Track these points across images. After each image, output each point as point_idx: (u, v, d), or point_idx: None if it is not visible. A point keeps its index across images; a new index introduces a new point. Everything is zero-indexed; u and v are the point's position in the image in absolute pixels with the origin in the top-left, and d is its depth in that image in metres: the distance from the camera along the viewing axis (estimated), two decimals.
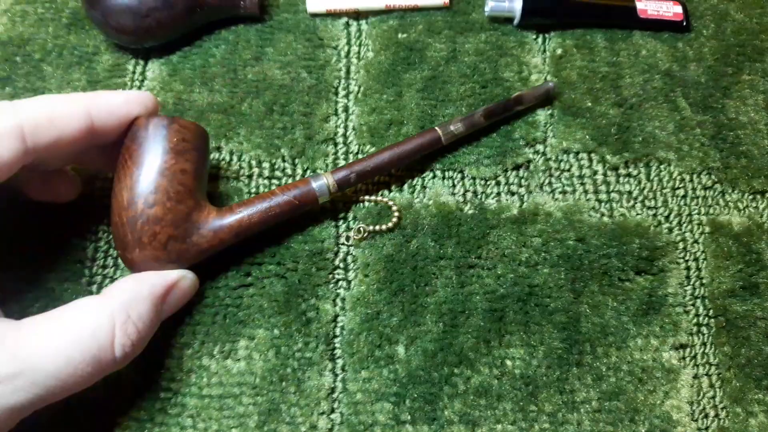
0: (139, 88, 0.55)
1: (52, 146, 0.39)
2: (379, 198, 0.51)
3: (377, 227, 0.50)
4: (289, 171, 0.52)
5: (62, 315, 0.38)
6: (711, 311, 0.50)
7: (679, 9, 0.58)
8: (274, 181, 0.52)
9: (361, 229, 0.50)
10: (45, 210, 0.49)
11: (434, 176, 0.53)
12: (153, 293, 0.42)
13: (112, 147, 0.44)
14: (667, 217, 0.52)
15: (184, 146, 0.44)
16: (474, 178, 0.53)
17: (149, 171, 0.42)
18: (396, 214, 0.50)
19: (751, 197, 0.53)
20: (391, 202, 0.51)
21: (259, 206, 0.46)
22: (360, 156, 0.53)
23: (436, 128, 0.51)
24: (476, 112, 0.52)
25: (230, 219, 0.45)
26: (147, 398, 0.45)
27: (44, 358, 0.35)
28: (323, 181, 0.48)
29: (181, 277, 0.44)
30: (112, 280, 0.48)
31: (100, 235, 0.49)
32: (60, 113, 0.39)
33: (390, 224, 0.50)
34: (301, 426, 0.45)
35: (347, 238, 0.50)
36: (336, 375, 0.47)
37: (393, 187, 0.52)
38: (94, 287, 0.48)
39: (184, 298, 0.45)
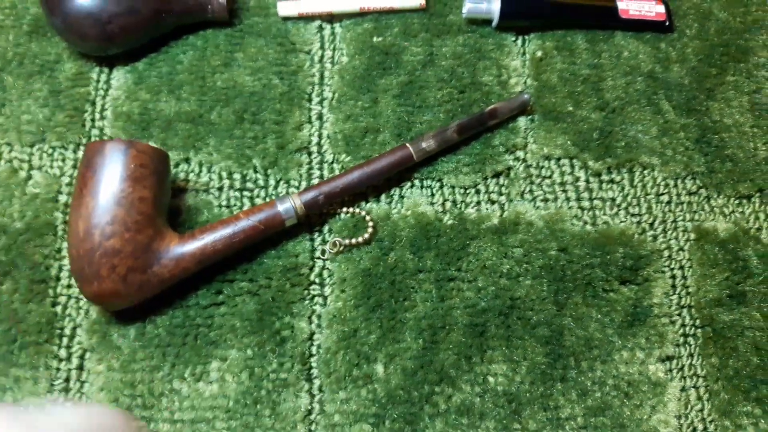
0: (104, 97, 0.52)
1: None
2: (355, 210, 0.49)
3: (353, 240, 0.48)
4: (261, 182, 0.50)
5: None
6: (698, 321, 0.49)
7: (661, 9, 0.57)
8: (246, 193, 0.50)
9: (337, 242, 0.48)
10: (6, 229, 0.47)
11: (412, 185, 0.51)
12: None
13: None
14: (651, 225, 0.51)
15: (142, 172, 0.42)
16: (453, 187, 0.51)
17: (105, 201, 0.41)
18: (370, 225, 0.48)
19: (737, 202, 0.52)
20: (365, 214, 0.49)
21: (223, 232, 0.44)
22: (335, 165, 0.51)
23: (408, 145, 0.49)
24: (449, 127, 0.50)
25: (193, 246, 0.44)
26: None
27: None
28: (290, 204, 0.46)
29: None
30: (77, 300, 0.46)
31: (64, 254, 0.47)
32: None
33: (366, 236, 0.48)
34: None
35: (323, 252, 0.49)
36: (313, 396, 0.45)
37: (370, 198, 0.50)
38: (59, 308, 0.46)
39: None
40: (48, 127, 0.51)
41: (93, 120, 0.52)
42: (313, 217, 0.49)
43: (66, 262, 0.47)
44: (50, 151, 0.50)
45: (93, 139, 0.51)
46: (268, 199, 0.50)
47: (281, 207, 0.46)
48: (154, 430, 0.44)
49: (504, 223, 0.50)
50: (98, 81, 0.53)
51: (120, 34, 0.51)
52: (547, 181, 0.52)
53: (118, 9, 0.49)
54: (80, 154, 0.50)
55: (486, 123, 0.51)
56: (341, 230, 0.49)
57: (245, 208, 0.49)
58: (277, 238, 0.48)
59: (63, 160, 0.50)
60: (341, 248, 0.48)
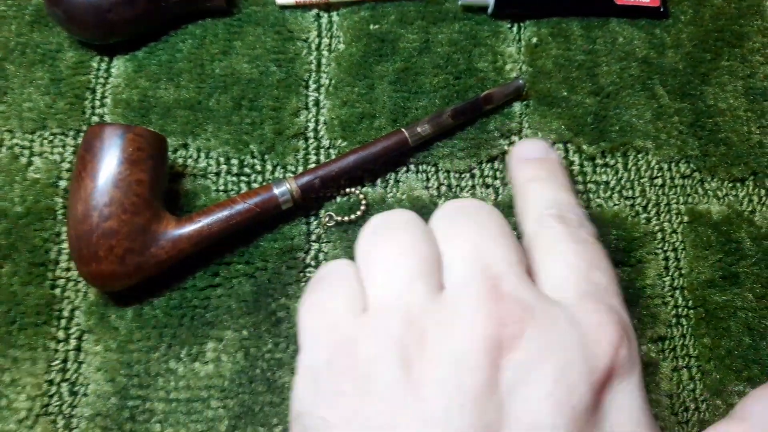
0: (104, 85, 0.53)
1: None
2: (350, 190, 0.50)
3: (344, 218, 0.49)
4: (258, 167, 0.51)
5: None
6: (690, 302, 0.49)
7: None
8: (243, 178, 0.51)
9: (330, 216, 0.49)
10: (6, 213, 0.48)
11: (407, 170, 0.52)
12: None
13: None
14: (644, 207, 0.51)
15: (139, 155, 0.42)
16: (448, 171, 0.52)
17: (103, 183, 0.41)
18: (363, 202, 0.49)
19: (730, 185, 0.52)
20: (358, 192, 0.49)
21: (219, 215, 0.45)
22: (331, 151, 0.52)
23: (403, 130, 0.49)
24: (444, 111, 0.50)
25: (189, 229, 0.44)
26: (114, 405, 0.44)
27: None
28: (285, 188, 0.46)
29: None
30: (76, 282, 0.47)
31: (63, 237, 0.48)
32: None
33: (359, 213, 0.49)
34: (276, 428, 0.44)
35: (319, 224, 0.49)
36: None
37: (366, 182, 0.51)
38: (57, 290, 0.47)
39: None
40: (49, 114, 0.52)
41: (93, 107, 0.52)
42: (309, 201, 0.50)
43: (65, 245, 0.48)
44: (51, 137, 0.51)
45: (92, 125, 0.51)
46: (264, 184, 0.50)
47: (277, 190, 0.46)
48: (150, 408, 0.44)
49: (499, 206, 0.50)
50: (98, 69, 0.54)
51: (120, 23, 0.51)
52: None
53: None
54: (80, 140, 0.51)
55: (481, 108, 0.52)
56: (337, 212, 0.50)
57: (242, 192, 0.50)
58: (273, 221, 0.49)
59: (63, 147, 0.51)
60: (333, 223, 0.49)
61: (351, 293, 0.32)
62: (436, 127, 0.50)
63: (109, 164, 0.42)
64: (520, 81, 0.53)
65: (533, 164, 0.41)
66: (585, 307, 0.30)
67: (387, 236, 0.33)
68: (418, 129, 0.50)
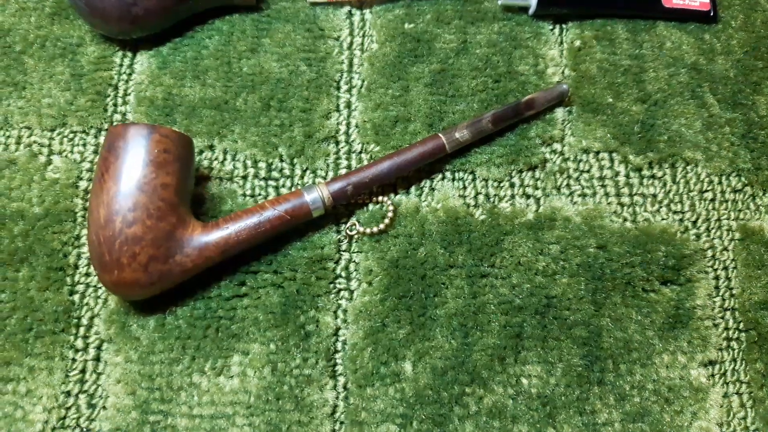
0: (127, 82, 0.51)
1: None
2: (379, 199, 0.48)
3: (367, 230, 0.46)
4: (287, 171, 0.49)
5: None
6: (742, 324, 0.46)
7: None
8: (271, 183, 0.48)
9: (354, 225, 0.46)
10: (24, 214, 0.45)
11: (443, 177, 0.49)
12: None
13: None
14: (694, 223, 0.49)
15: (165, 158, 0.40)
16: (486, 180, 0.49)
17: (127, 186, 0.39)
18: (390, 213, 0.47)
19: None
20: (389, 202, 0.47)
21: (248, 221, 0.43)
22: (363, 155, 0.49)
23: (440, 135, 0.47)
24: (483, 116, 0.48)
25: (216, 236, 0.42)
26: (135, 420, 0.42)
27: None
28: (317, 194, 0.44)
29: None
30: (96, 289, 0.45)
31: (83, 241, 0.46)
32: None
33: (381, 226, 0.46)
34: None
35: (350, 229, 0.47)
36: (338, 393, 0.43)
37: (399, 190, 0.49)
38: (76, 296, 0.45)
39: None
40: (69, 111, 0.49)
41: (115, 105, 0.50)
42: (339, 208, 0.48)
43: (85, 249, 0.46)
44: (71, 135, 0.49)
45: (115, 124, 0.49)
46: (293, 189, 0.48)
47: (308, 197, 0.44)
48: (172, 424, 0.42)
49: (539, 218, 0.48)
50: (121, 65, 0.52)
51: (145, 16, 0.49)
52: (585, 175, 0.50)
53: None
54: (102, 139, 0.49)
55: (522, 114, 0.49)
56: (369, 222, 0.47)
57: (270, 197, 0.48)
58: (302, 228, 0.47)
59: (84, 145, 0.49)
60: (355, 232, 0.47)
61: None
62: (476, 132, 0.48)
63: (134, 166, 0.39)
64: (564, 86, 0.50)
65: None
66: None
67: None
68: (457, 135, 0.47)
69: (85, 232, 0.46)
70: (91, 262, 0.42)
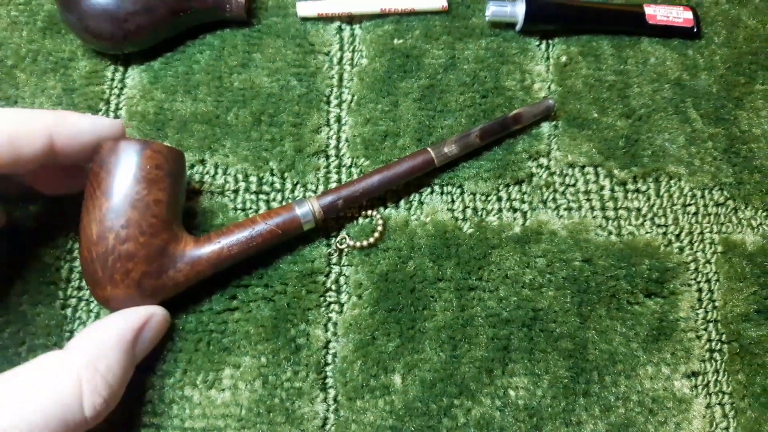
0: (119, 96, 0.51)
1: (9, 166, 0.36)
2: (369, 213, 0.48)
3: (356, 243, 0.47)
4: (277, 185, 0.49)
5: (23, 379, 0.34)
6: (724, 336, 0.47)
7: (689, 15, 0.55)
8: (262, 196, 0.49)
9: (345, 238, 0.47)
10: (15, 228, 0.46)
11: (432, 191, 0.50)
12: (121, 340, 0.38)
13: (77, 169, 0.41)
14: (677, 236, 0.50)
15: (157, 174, 0.40)
16: (474, 194, 0.50)
17: (119, 203, 0.39)
18: (379, 227, 0.47)
19: (765, 214, 0.51)
20: (379, 216, 0.48)
21: (239, 235, 0.43)
22: (353, 170, 0.50)
23: (429, 150, 0.48)
24: (471, 131, 0.49)
25: (208, 250, 0.42)
26: None
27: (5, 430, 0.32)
28: (308, 208, 0.45)
29: (149, 315, 0.41)
30: (88, 302, 0.45)
31: (75, 254, 0.46)
32: (19, 133, 0.36)
33: (371, 240, 0.47)
34: None
35: (340, 242, 0.47)
36: (328, 406, 0.44)
37: (389, 203, 0.49)
38: (68, 310, 0.45)
39: (157, 336, 0.42)
40: None
41: None
42: (330, 222, 0.48)
43: (77, 263, 0.46)
44: None
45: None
46: (284, 203, 0.48)
47: (299, 211, 0.44)
48: None
49: (526, 232, 0.49)
50: (113, 80, 0.52)
51: (136, 32, 0.50)
52: (571, 189, 0.50)
53: (135, 7, 0.48)
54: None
55: (509, 128, 0.50)
56: (359, 235, 0.48)
57: (261, 211, 0.48)
58: (293, 242, 0.47)
59: None
60: (345, 246, 0.47)
61: None
62: (464, 147, 0.49)
63: (125, 183, 0.39)
64: (551, 101, 0.51)
65: None
66: None
67: None
68: (445, 149, 0.48)
69: (77, 246, 0.46)
70: (84, 278, 0.42)
